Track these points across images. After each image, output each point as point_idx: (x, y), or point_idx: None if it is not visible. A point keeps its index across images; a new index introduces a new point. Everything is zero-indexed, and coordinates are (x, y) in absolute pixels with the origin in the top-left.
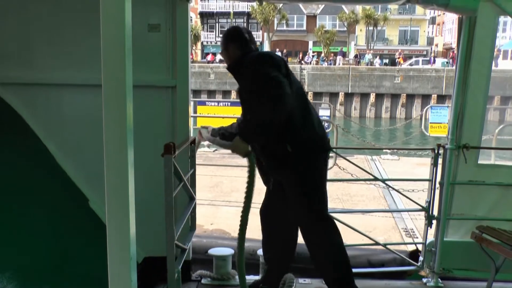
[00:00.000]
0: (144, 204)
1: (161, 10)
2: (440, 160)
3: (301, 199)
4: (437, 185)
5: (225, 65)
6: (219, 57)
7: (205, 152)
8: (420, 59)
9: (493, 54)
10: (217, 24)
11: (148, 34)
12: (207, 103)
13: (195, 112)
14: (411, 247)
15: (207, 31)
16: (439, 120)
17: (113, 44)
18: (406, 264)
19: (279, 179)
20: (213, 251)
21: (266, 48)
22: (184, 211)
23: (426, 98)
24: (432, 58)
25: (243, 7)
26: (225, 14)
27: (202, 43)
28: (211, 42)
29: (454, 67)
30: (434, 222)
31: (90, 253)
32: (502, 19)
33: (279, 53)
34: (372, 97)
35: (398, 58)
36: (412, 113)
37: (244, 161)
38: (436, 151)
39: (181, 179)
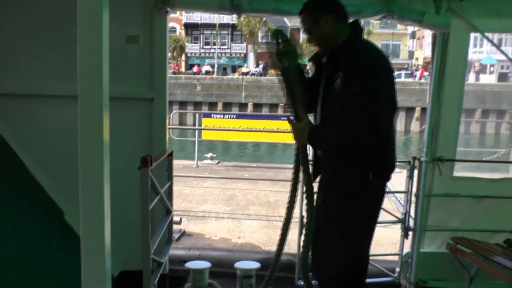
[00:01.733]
0: (121, 217)
1: (140, 22)
2: (416, 172)
3: (343, 240)
4: (413, 197)
5: (212, 77)
6: (205, 68)
7: (209, 165)
8: (402, 72)
9: (466, 69)
10: (201, 36)
11: (126, 45)
12: (212, 115)
13: (200, 124)
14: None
15: (191, 43)
16: None
17: (90, 55)
18: (383, 275)
19: (329, 204)
20: (190, 264)
21: (251, 60)
22: (161, 224)
23: (410, 110)
24: (413, 71)
25: (228, 19)
26: (210, 26)
27: (186, 54)
28: (195, 54)
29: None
30: (411, 233)
31: (65, 266)
32: (473, 35)
33: (261, 65)
34: None
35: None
36: (397, 126)
37: (252, 175)
38: (411, 164)
39: (158, 192)
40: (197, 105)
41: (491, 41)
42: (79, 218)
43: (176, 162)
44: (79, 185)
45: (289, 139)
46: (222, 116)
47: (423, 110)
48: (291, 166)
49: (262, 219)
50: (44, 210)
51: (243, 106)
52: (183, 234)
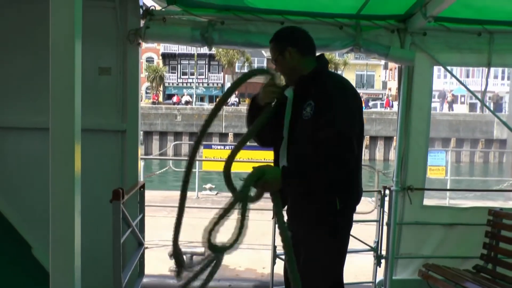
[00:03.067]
0: (92, 250)
1: (112, 53)
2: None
3: (320, 271)
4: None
5: (192, 107)
6: (184, 98)
7: (209, 196)
8: (378, 102)
9: (431, 100)
10: (179, 66)
11: (99, 77)
12: (213, 146)
13: (200, 156)
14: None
15: (169, 72)
16: (436, 163)
17: (62, 86)
18: None
19: (299, 237)
20: None
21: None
22: (132, 257)
23: (388, 139)
24: (390, 101)
25: (205, 49)
26: (187, 56)
27: (164, 84)
28: (173, 84)
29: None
30: (383, 261)
31: None
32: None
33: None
34: None
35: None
36: (376, 155)
37: (255, 205)
38: (382, 193)
39: (130, 225)
40: (177, 135)
41: (452, 73)
42: (48, 253)
43: (176, 194)
44: (50, 219)
45: None
46: (223, 147)
47: None
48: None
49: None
50: (12, 245)
51: (223, 136)
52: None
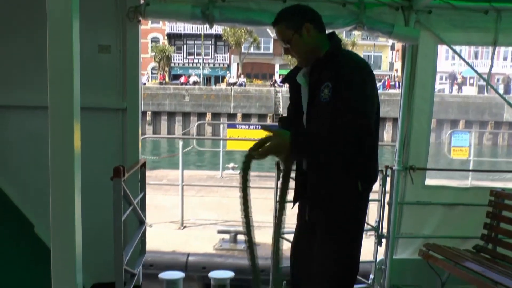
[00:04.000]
0: (93, 228)
1: (112, 31)
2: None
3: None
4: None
5: (201, 87)
6: (192, 79)
7: (232, 175)
8: (381, 84)
9: (434, 80)
10: (184, 46)
11: (98, 55)
12: (237, 126)
13: (224, 135)
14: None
15: (175, 53)
16: (460, 144)
17: (60, 64)
18: (357, 282)
19: (317, 219)
20: (163, 275)
21: (234, 70)
22: (134, 235)
23: (396, 121)
24: (397, 82)
25: (211, 29)
26: (193, 36)
27: (169, 64)
28: (178, 64)
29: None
30: (384, 240)
31: (35, 280)
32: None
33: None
34: None
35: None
36: (384, 136)
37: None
38: (384, 173)
39: (131, 203)
40: (185, 115)
41: (456, 52)
42: (49, 231)
43: (200, 173)
44: (50, 197)
45: None
46: (247, 127)
47: None
48: None
49: None
50: (14, 223)
51: (232, 116)
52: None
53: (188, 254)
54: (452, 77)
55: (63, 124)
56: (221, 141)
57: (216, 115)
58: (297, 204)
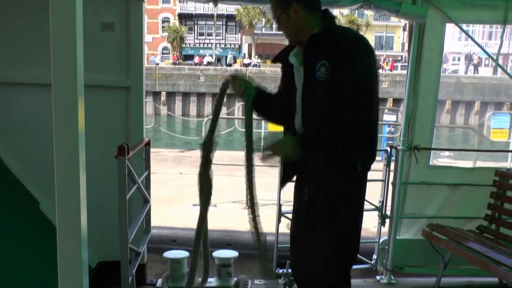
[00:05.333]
0: (98, 207)
1: (115, 9)
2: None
3: (331, 238)
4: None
5: (215, 68)
6: (206, 59)
7: None
8: (399, 64)
9: (441, 60)
10: (195, 26)
11: (102, 33)
12: None
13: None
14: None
15: (186, 33)
16: (500, 126)
17: (63, 42)
18: (360, 262)
19: (315, 198)
20: (168, 254)
21: (246, 50)
22: (139, 214)
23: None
24: (399, 65)
25: (222, 9)
26: (204, 16)
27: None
28: (189, 44)
29: None
30: (387, 221)
31: (41, 257)
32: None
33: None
34: None
35: (383, 63)
36: (398, 117)
37: None
38: (388, 152)
39: (135, 181)
40: (200, 96)
41: (464, 31)
42: (55, 208)
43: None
44: (55, 175)
45: None
46: None
47: None
48: None
49: None
50: (20, 201)
51: None
52: None
53: (265, 234)
54: (469, 58)
55: (67, 102)
56: (263, 122)
57: (231, 96)
58: (293, 184)
